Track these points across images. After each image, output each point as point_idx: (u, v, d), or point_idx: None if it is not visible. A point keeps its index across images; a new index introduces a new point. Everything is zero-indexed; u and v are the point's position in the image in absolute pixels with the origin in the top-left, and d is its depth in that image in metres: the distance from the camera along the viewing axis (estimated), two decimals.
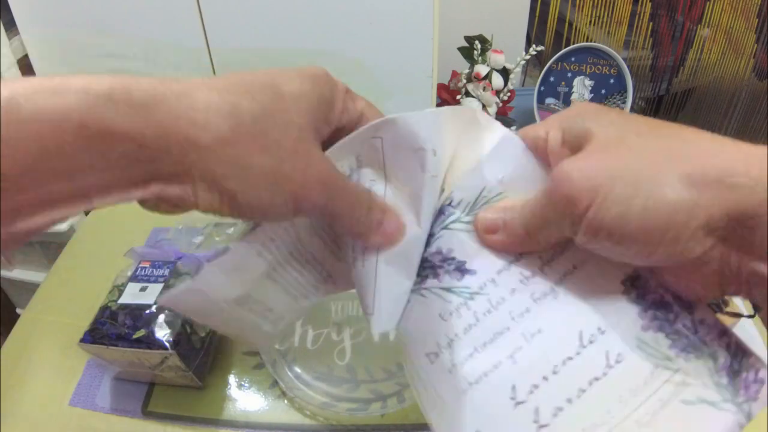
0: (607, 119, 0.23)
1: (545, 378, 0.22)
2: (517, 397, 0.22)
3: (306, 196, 0.24)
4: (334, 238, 0.31)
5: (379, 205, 0.27)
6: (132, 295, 0.52)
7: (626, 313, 0.23)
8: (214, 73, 0.68)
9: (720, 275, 0.21)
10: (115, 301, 0.51)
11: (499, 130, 0.28)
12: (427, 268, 0.28)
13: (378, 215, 0.27)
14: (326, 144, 0.27)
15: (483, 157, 0.27)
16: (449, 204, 0.28)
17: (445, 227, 0.27)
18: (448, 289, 0.27)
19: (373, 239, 0.27)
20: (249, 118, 0.22)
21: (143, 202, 0.23)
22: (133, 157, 0.20)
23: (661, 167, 0.20)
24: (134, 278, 0.54)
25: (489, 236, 0.27)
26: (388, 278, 0.28)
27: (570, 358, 0.23)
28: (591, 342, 0.23)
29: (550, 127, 0.26)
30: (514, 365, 0.23)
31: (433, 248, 0.28)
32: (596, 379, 0.22)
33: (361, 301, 0.29)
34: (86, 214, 0.81)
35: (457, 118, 0.28)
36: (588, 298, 0.24)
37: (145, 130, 0.20)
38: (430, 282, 0.27)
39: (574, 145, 0.24)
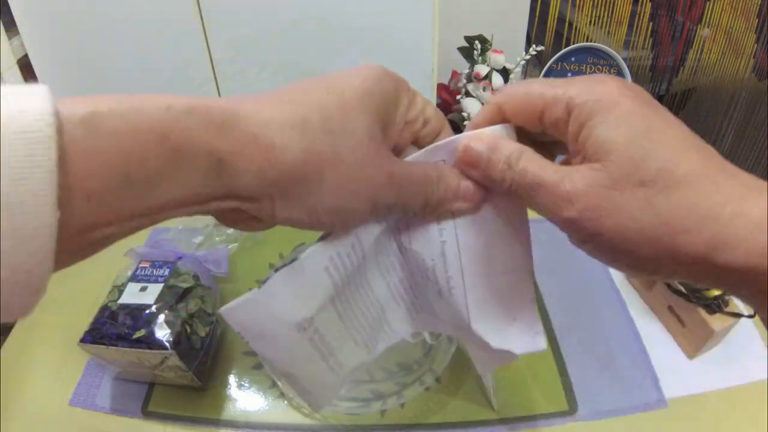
0: (632, 132, 0.22)
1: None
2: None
3: (379, 197, 0.24)
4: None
5: (450, 172, 0.27)
6: (132, 295, 0.52)
7: None
8: (215, 78, 0.68)
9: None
10: (115, 301, 0.51)
11: None
12: None
13: (452, 181, 0.27)
14: (397, 145, 0.28)
15: None
16: None
17: None
18: None
19: (453, 205, 0.27)
20: (321, 133, 0.22)
21: (220, 218, 0.24)
22: (213, 173, 0.20)
23: (658, 227, 0.21)
24: (134, 278, 0.54)
25: (468, 171, 0.27)
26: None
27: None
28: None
29: (555, 98, 0.24)
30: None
31: None
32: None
33: (496, 321, 0.31)
34: None
35: None
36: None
37: (224, 147, 0.20)
38: None
39: (582, 141, 0.23)
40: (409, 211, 0.27)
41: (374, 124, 0.24)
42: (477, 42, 0.79)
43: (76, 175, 0.17)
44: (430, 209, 0.27)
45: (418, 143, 0.29)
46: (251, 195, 0.22)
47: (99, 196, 0.18)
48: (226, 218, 0.24)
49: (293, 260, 0.27)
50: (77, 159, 0.17)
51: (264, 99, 0.22)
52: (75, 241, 0.19)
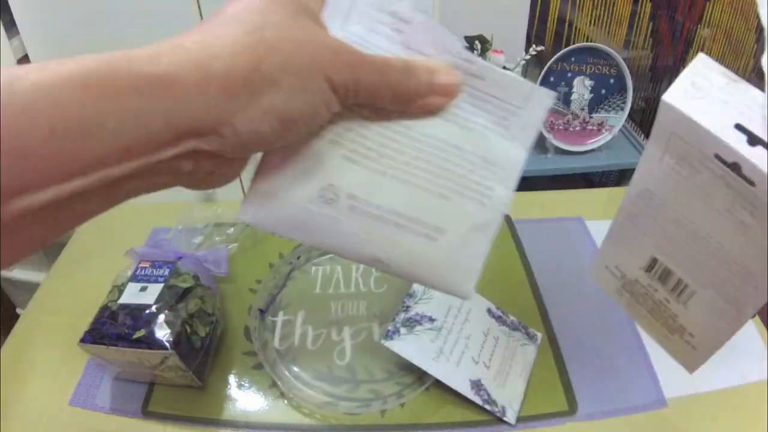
0: None
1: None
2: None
3: (333, 72, 0.22)
4: None
5: (420, 64, 0.25)
6: (132, 295, 0.52)
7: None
8: None
9: None
10: (115, 301, 0.51)
11: None
12: None
13: (423, 74, 0.25)
14: None
15: None
16: None
17: None
18: None
19: (430, 101, 0.25)
20: (250, 27, 0.21)
21: (183, 178, 0.22)
22: (151, 107, 0.19)
23: None
24: (134, 278, 0.54)
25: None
26: None
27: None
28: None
29: None
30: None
31: None
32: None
33: None
34: None
35: None
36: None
37: (156, 71, 0.19)
38: None
39: None
40: (378, 102, 0.25)
41: (299, 9, 0.23)
42: (477, 42, 0.79)
43: None
44: (402, 104, 0.25)
45: None
46: (204, 121, 0.20)
47: (22, 152, 0.17)
48: (191, 176, 0.22)
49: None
50: None
51: (179, 36, 0.21)
52: (4, 212, 0.17)
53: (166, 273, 0.54)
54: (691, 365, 0.37)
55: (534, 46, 0.79)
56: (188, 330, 0.51)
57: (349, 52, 0.23)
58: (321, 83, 0.22)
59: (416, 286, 0.58)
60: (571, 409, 0.52)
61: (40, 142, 0.17)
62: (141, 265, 0.55)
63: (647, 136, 1.27)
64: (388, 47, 0.26)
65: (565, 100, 0.88)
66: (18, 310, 0.94)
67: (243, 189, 0.91)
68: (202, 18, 0.65)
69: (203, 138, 0.20)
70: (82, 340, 0.48)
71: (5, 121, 0.16)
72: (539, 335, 0.58)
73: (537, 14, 1.06)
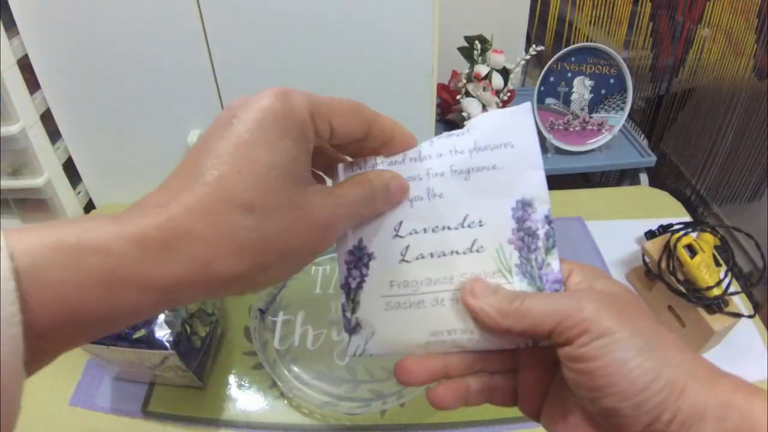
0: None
1: (424, 230, 0.29)
2: (398, 232, 0.29)
3: (317, 246, 0.24)
4: None
5: (380, 185, 0.28)
6: None
7: (505, 223, 0.29)
8: (214, 78, 0.68)
9: None
10: None
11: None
12: None
13: (383, 194, 0.28)
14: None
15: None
16: None
17: None
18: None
19: (388, 207, 0.29)
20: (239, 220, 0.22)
21: None
22: (161, 304, 0.21)
23: None
24: None
25: (471, 299, 0.28)
26: None
27: (448, 228, 0.29)
28: (469, 226, 0.29)
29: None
30: (411, 209, 0.29)
31: None
32: (455, 252, 0.29)
33: None
34: (86, 213, 0.81)
35: None
36: (487, 195, 0.29)
37: (165, 281, 0.21)
38: None
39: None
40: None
41: (283, 167, 0.23)
42: (477, 42, 0.79)
43: (28, 321, 0.18)
44: (375, 216, 0.29)
45: (359, 152, 0.29)
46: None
47: (50, 334, 0.19)
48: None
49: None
50: (28, 306, 0.18)
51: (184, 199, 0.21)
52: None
53: None
54: None
55: (534, 46, 0.79)
56: (188, 330, 0.51)
57: (329, 214, 0.25)
58: (303, 259, 0.25)
59: None
60: None
61: (62, 328, 0.19)
62: None
63: (647, 136, 1.27)
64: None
65: (565, 100, 0.88)
66: None
67: None
68: (202, 18, 0.64)
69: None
70: None
71: (35, 311, 0.18)
72: None
73: (537, 14, 1.06)
